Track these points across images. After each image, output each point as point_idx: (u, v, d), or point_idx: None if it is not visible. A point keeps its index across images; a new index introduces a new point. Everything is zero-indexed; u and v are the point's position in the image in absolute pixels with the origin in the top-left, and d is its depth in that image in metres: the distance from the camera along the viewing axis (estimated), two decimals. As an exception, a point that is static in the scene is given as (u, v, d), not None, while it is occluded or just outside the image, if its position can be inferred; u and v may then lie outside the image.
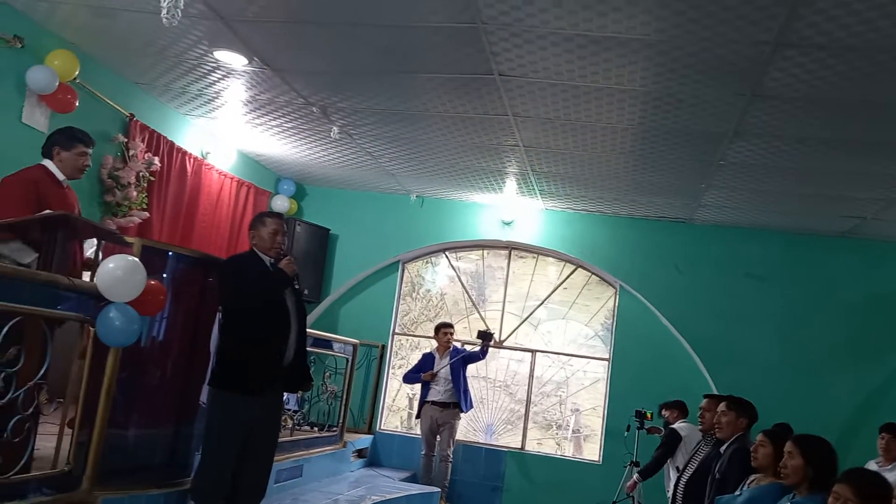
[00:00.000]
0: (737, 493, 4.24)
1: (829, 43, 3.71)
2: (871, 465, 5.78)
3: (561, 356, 8.30)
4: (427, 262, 8.74)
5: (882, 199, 6.15)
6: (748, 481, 4.27)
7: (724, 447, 4.84)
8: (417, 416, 7.53)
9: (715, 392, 6.74)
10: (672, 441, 6.29)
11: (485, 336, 7.45)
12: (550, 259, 8.42)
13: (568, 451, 8.27)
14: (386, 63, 4.79)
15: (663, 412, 6.82)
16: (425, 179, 7.56)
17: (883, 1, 3.28)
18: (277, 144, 6.96)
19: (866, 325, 7.28)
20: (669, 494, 5.98)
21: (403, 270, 8.62)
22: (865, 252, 7.40)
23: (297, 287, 4.22)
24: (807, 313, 7.42)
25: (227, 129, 6.69)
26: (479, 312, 8.49)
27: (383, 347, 8.34)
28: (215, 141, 6.91)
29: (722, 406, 4.95)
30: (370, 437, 8.06)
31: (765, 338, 7.44)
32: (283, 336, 4.03)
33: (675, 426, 6.41)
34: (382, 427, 8.36)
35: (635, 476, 6.54)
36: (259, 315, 3.93)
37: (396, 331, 8.59)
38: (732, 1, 3.46)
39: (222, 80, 5.45)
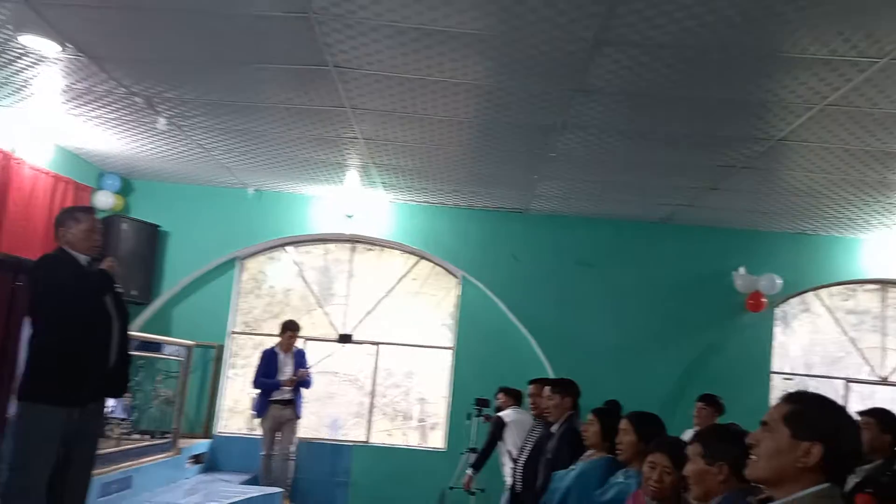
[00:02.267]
0: (571, 467, 4.44)
1: (644, 41, 3.94)
2: (688, 434, 6.26)
3: (407, 347, 8.36)
4: (270, 258, 8.49)
5: (695, 188, 6.65)
6: (583, 457, 4.48)
7: (554, 428, 5.06)
8: (259, 416, 7.32)
9: (552, 376, 7.03)
10: (496, 428, 6.47)
11: (344, 339, 7.48)
12: (397, 251, 8.44)
13: (414, 441, 8.36)
14: (214, 52, 4.57)
15: (498, 395, 7.04)
16: (262, 172, 7.33)
17: (689, 2, 3.53)
18: (99, 137, 6.48)
19: (684, 304, 7.87)
20: (508, 480, 6.17)
21: (241, 267, 8.33)
22: (683, 236, 7.98)
23: (118, 291, 3.94)
24: (633, 296, 7.91)
25: (41, 121, 6.14)
26: (321, 308, 8.37)
27: (220, 348, 8.02)
28: (27, 134, 6.32)
29: (546, 391, 5.15)
30: (208, 441, 7.74)
31: (597, 321, 7.86)
32: (103, 341, 3.76)
33: (500, 413, 6.61)
34: (221, 430, 8.05)
35: (469, 471, 6.69)
36: (76, 319, 3.64)
37: (236, 330, 8.30)
38: (555, -1, 3.60)
39: (32, 67, 4.98)
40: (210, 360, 7.94)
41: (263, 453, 7.22)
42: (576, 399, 5.22)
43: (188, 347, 6.85)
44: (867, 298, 8.33)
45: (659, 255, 7.99)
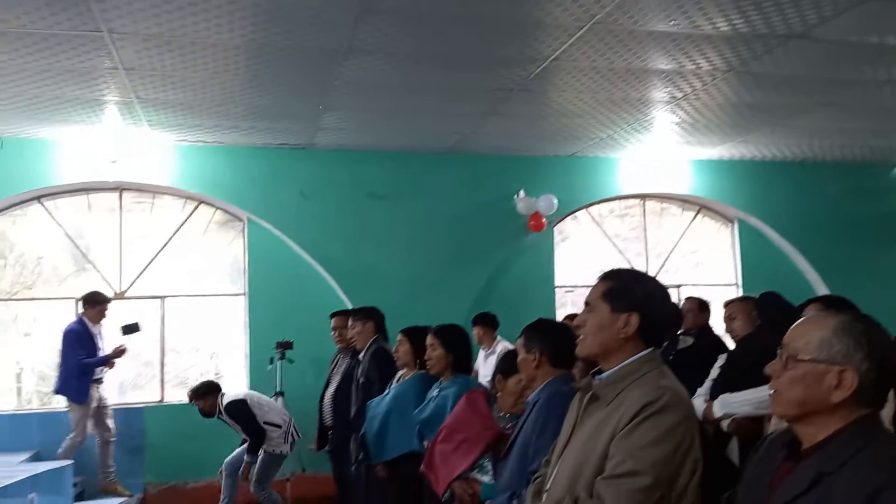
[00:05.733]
0: (385, 392, 4.46)
1: (427, -46, 3.87)
2: (482, 355, 6.60)
3: (195, 298, 7.86)
4: (14, 218, 7.44)
5: (476, 113, 6.75)
6: (396, 378, 4.51)
7: (362, 354, 5.07)
8: (81, 402, 6.57)
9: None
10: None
11: (129, 329, 6.86)
12: (169, 197, 7.83)
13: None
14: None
15: None
16: (2, 115, 6.39)
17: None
18: None
19: (473, 230, 8.11)
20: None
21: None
22: (467, 165, 8.17)
23: None
24: (425, 226, 8.00)
25: None
26: (93, 267, 7.60)
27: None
28: None
29: (349, 321, 5.18)
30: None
31: (392, 253, 7.87)
32: None
33: None
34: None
35: None
36: None
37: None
38: None
39: None
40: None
41: (79, 439, 6.61)
42: (379, 323, 5.27)
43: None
44: (630, 212, 9.14)
45: (446, 184, 8.13)
